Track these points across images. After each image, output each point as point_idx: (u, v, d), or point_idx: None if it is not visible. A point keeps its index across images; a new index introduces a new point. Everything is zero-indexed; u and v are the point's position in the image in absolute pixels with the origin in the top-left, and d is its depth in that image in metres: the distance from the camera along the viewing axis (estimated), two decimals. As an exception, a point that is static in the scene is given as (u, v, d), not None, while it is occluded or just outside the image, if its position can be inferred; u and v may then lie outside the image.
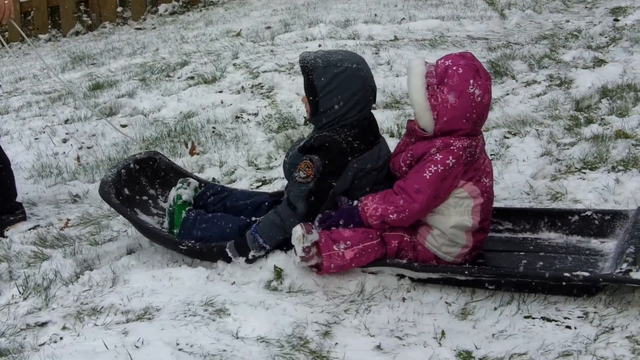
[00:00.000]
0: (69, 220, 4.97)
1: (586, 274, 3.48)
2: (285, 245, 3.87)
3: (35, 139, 6.69)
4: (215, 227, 4.10)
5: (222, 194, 4.41)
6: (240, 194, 4.45)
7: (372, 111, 4.05)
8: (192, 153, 5.89)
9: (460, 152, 3.66)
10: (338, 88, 3.81)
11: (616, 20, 8.28)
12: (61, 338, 3.56)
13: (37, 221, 5.02)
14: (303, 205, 3.81)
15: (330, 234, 3.73)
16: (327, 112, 3.85)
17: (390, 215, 3.67)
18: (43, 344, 3.56)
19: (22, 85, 9.39)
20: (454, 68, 3.65)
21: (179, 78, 7.73)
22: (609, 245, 3.92)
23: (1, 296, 4.09)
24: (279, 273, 3.82)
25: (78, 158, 6.12)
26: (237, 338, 3.39)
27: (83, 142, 6.46)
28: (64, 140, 6.56)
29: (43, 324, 3.72)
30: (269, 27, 9.35)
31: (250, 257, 3.89)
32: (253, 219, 4.12)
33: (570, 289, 3.51)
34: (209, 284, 3.85)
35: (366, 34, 8.41)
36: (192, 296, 3.72)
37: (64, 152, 6.30)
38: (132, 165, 4.50)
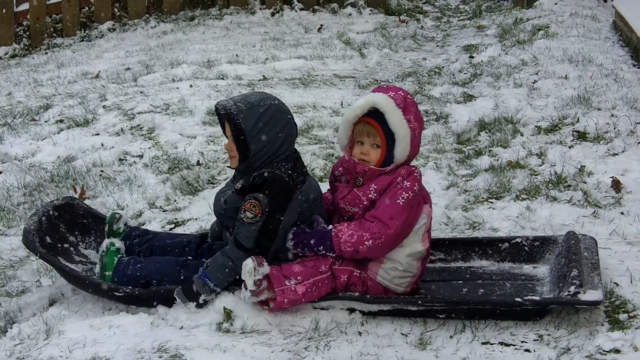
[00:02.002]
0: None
1: (537, 298, 3.62)
2: (232, 285, 3.81)
3: None
4: (150, 265, 4.03)
5: (148, 236, 4.32)
6: (167, 235, 4.37)
7: None
8: (82, 197, 5.69)
9: (420, 177, 3.80)
10: (267, 126, 3.82)
11: (471, 57, 8.68)
12: (5, 397, 3.36)
13: None
14: (254, 245, 3.77)
15: (281, 270, 3.71)
16: (259, 153, 3.84)
17: (366, 242, 3.67)
18: (-19, 406, 3.35)
19: None
20: (408, 96, 3.78)
21: (46, 122, 7.45)
22: (542, 270, 4.09)
23: None
24: (228, 314, 3.75)
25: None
26: (202, 383, 3.30)
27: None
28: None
29: (-23, 384, 3.50)
30: (128, 69, 9.18)
31: (201, 301, 3.81)
32: (189, 257, 4.07)
33: (519, 314, 3.63)
34: (155, 330, 3.73)
35: (233, 74, 8.42)
36: (141, 343, 3.60)
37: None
38: (51, 212, 4.32)
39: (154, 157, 6.29)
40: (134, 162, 6.29)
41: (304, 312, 3.77)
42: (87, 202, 5.56)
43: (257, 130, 3.81)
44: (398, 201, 3.69)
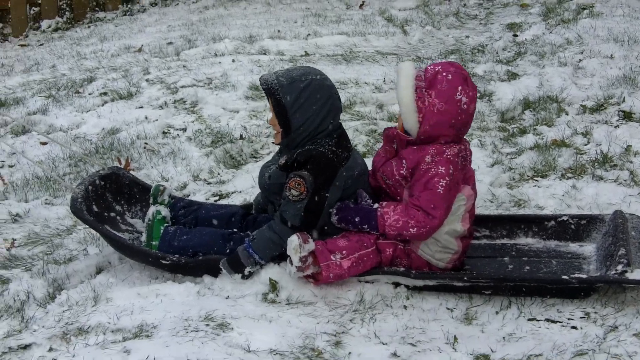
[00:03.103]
0: (14, 240, 4.74)
1: (584, 276, 3.60)
2: (277, 258, 3.85)
3: (-45, 156, 6.37)
4: (196, 237, 4.03)
5: (193, 207, 4.34)
6: (211, 207, 4.39)
7: None
8: (127, 169, 5.73)
9: (455, 159, 3.72)
10: (308, 101, 3.79)
11: (515, 35, 8.60)
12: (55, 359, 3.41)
13: (-21, 241, 4.77)
14: (300, 222, 3.78)
15: (326, 244, 3.73)
16: (301, 127, 3.82)
17: (411, 229, 3.67)
18: (30, 367, 3.41)
19: None
20: (444, 74, 3.69)
21: (90, 94, 7.51)
22: (589, 249, 4.06)
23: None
24: (274, 285, 3.77)
25: (1, 177, 5.84)
26: (249, 351, 3.32)
27: (3, 161, 6.18)
28: (-17, 159, 6.27)
29: (26, 347, 3.54)
30: (170, 43, 9.23)
31: (246, 273, 3.84)
32: (234, 230, 4.08)
33: (566, 292, 3.62)
34: (201, 299, 3.76)
35: (275, 49, 8.42)
36: (188, 311, 3.63)
37: (-14, 170, 6.02)
38: (97, 182, 4.35)
39: (197, 130, 6.32)
40: (178, 135, 6.33)
41: (349, 285, 3.78)
42: (131, 173, 5.61)
43: (298, 105, 3.79)
44: (438, 190, 3.66)
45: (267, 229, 3.85)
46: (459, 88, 3.68)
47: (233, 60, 7.98)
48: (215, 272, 3.90)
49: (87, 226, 4.27)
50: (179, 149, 5.97)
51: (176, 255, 3.97)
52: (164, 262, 3.96)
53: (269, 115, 3.95)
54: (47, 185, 5.54)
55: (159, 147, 6.05)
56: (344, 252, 3.70)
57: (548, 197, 4.65)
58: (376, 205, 3.80)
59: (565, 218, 4.18)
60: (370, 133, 5.99)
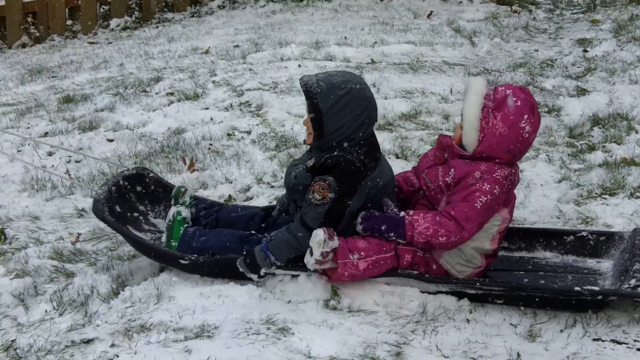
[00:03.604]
0: (79, 234, 4.80)
1: (596, 288, 3.59)
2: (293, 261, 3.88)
3: (18, 151, 6.46)
4: (214, 238, 4.07)
5: (214, 209, 4.39)
6: (232, 208, 4.41)
7: None
8: (191, 169, 5.77)
9: (504, 182, 3.72)
10: (344, 110, 3.81)
11: (585, 51, 8.49)
12: (117, 355, 3.44)
13: (46, 235, 4.83)
14: (319, 226, 3.78)
15: (347, 243, 3.73)
16: (333, 134, 3.84)
17: (440, 238, 3.68)
18: (94, 362, 3.44)
19: (-23, 96, 9.10)
20: (514, 99, 3.68)
21: (157, 93, 7.58)
22: (606, 265, 4.03)
23: (31, 311, 3.93)
24: (335, 292, 3.76)
25: (67, 172, 5.92)
26: (310, 357, 3.32)
27: (70, 156, 6.26)
28: (50, 154, 6.35)
29: (89, 341, 3.59)
30: (237, 46, 9.27)
31: (262, 274, 3.87)
32: (252, 232, 4.11)
33: (577, 304, 3.60)
34: (263, 302, 3.76)
35: (341, 56, 8.42)
36: (249, 314, 3.63)
37: (52, 165, 6.09)
38: (121, 182, 4.42)
39: (261, 133, 6.34)
40: (242, 137, 6.35)
41: (412, 295, 3.75)
42: (195, 174, 5.66)
43: (334, 112, 3.81)
44: (476, 204, 3.67)
45: (285, 231, 3.86)
46: (525, 116, 3.67)
47: (299, 66, 7.99)
48: (232, 272, 3.92)
49: (108, 227, 4.30)
50: (243, 151, 5.99)
51: (194, 255, 3.99)
52: (182, 261, 3.99)
53: (305, 115, 3.93)
54: (112, 182, 5.59)
55: (223, 149, 6.07)
56: (362, 253, 3.72)
57: (616, 216, 4.56)
58: (402, 213, 3.78)
59: (584, 234, 4.16)
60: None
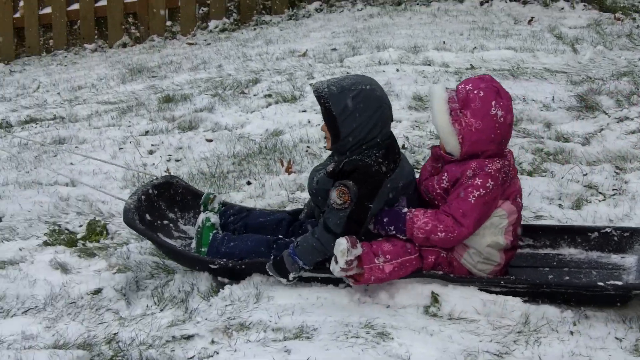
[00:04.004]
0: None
1: (619, 283, 3.66)
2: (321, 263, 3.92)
3: (120, 149, 6.59)
4: (242, 244, 4.15)
5: (242, 214, 4.48)
6: (260, 213, 4.51)
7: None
8: (288, 172, 5.79)
9: (497, 174, 3.77)
10: (356, 111, 3.86)
11: (693, 62, 8.25)
12: (217, 352, 3.48)
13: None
14: (343, 231, 3.82)
15: (371, 247, 3.78)
16: (349, 136, 3.89)
17: (439, 234, 3.75)
18: (192, 358, 3.48)
19: (82, 94, 9.32)
20: (475, 92, 3.76)
21: (255, 95, 7.65)
22: (630, 260, 4.01)
23: (133, 306, 4.01)
24: (436, 299, 3.72)
25: (167, 170, 6.01)
26: (410, 364, 3.29)
27: (170, 155, 6.36)
28: (150, 152, 6.46)
29: (189, 337, 3.63)
30: (334, 49, 9.28)
31: (290, 278, 3.93)
32: (280, 237, 4.20)
33: (603, 299, 3.65)
34: (362, 306, 3.76)
35: (439, 61, 8.35)
36: (348, 317, 3.63)
37: (153, 164, 6.19)
38: (150, 191, 4.53)
39: (359, 137, 6.32)
40: (340, 140, 6.34)
41: (514, 305, 3.69)
42: (292, 176, 5.67)
43: (347, 114, 3.86)
44: (469, 199, 3.73)
45: (310, 236, 3.91)
46: (493, 102, 3.75)
47: (397, 70, 7.95)
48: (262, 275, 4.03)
49: (139, 235, 4.42)
50: (340, 154, 5.98)
51: (224, 260, 4.06)
52: (212, 266, 4.07)
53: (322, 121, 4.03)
54: (211, 182, 5.66)
55: (320, 152, 6.08)
56: (387, 256, 3.77)
57: None
58: (405, 209, 3.86)
59: (608, 230, 4.14)
60: (536, 152, 5.84)
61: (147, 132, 6.98)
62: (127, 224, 4.28)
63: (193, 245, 4.30)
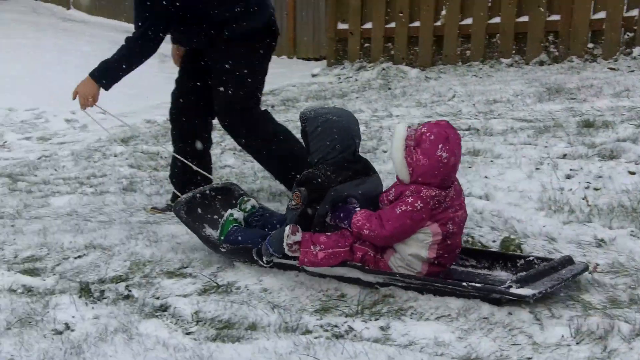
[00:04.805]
0: (597, 265, 4.70)
1: (478, 285, 4.32)
2: None
3: (537, 169, 6.54)
4: (246, 236, 5.14)
5: (266, 214, 5.45)
6: (280, 215, 5.39)
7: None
8: None
9: (428, 200, 4.48)
10: (321, 134, 4.88)
11: None
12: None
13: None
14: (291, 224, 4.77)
15: (312, 237, 4.67)
16: (315, 152, 4.93)
17: (365, 230, 4.57)
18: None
19: (496, 107, 9.40)
20: (428, 134, 4.49)
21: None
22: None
23: (546, 332, 3.92)
24: None
25: (585, 197, 5.84)
26: None
27: (589, 182, 6.18)
28: (568, 177, 6.33)
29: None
30: None
31: (265, 261, 4.88)
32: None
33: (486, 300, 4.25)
34: None
35: None
36: None
37: (570, 189, 6.06)
38: (207, 192, 5.57)
39: None
40: None
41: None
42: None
43: (314, 136, 4.92)
44: (397, 210, 4.49)
45: (280, 229, 4.79)
46: (440, 146, 4.46)
47: None
48: (246, 258, 5.03)
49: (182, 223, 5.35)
50: None
51: (228, 245, 5.11)
52: (221, 249, 5.12)
53: None
54: (632, 217, 5.41)
55: None
56: (322, 246, 4.64)
57: None
58: (358, 208, 4.70)
59: (531, 258, 4.68)
60: None
61: (564, 156, 6.86)
62: (175, 214, 5.39)
63: (217, 234, 5.26)
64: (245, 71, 6.04)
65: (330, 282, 4.67)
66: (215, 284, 4.69)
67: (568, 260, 4.57)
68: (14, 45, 15.51)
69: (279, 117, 8.28)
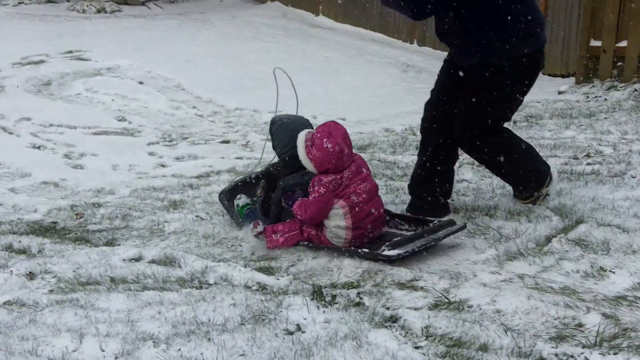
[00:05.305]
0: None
1: (366, 250, 5.44)
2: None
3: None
4: (255, 215, 6.23)
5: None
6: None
7: None
8: None
9: (328, 184, 5.55)
10: (276, 135, 6.10)
11: None
12: None
13: None
14: (262, 210, 6.22)
15: (272, 227, 5.85)
16: (275, 149, 6.14)
17: (298, 215, 5.68)
18: None
19: None
20: (317, 134, 5.60)
21: None
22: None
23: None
24: None
25: None
26: None
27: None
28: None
29: None
30: None
31: (254, 233, 5.90)
32: None
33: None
34: None
35: None
36: None
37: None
38: (248, 180, 6.48)
39: None
40: None
41: None
42: None
43: (274, 136, 6.14)
44: (311, 197, 5.59)
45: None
46: (325, 140, 5.54)
47: None
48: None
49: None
50: None
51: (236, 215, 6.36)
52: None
53: None
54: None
55: None
56: (280, 232, 5.78)
57: None
58: (299, 196, 5.84)
59: (436, 221, 5.79)
60: None
61: None
62: (220, 201, 6.57)
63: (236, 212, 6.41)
64: (496, 100, 5.84)
65: (567, 309, 4.39)
66: (447, 300, 4.56)
67: (449, 222, 5.74)
68: (263, 48, 16.09)
69: (521, 134, 8.06)
